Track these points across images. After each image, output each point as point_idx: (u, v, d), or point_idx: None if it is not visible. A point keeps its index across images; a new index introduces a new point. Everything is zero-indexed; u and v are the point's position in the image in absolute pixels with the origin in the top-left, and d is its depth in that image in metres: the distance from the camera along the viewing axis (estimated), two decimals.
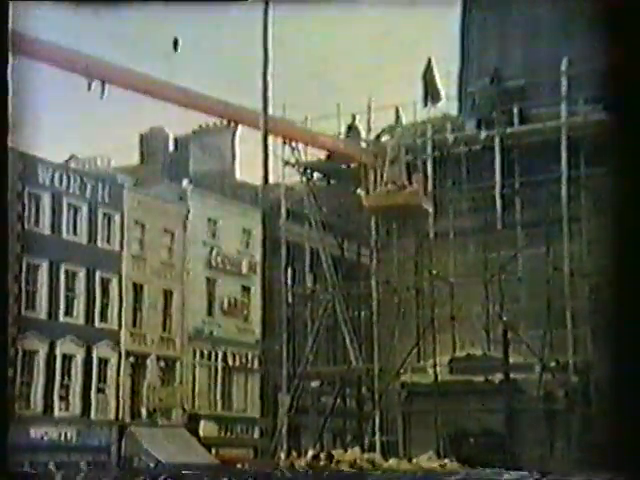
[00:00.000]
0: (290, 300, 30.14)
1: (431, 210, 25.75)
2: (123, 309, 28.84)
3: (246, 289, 32.98)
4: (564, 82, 23.87)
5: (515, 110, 25.66)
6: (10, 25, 11.16)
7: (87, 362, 27.27)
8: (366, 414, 27.06)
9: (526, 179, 25.03)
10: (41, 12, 16.25)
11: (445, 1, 28.25)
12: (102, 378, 27.71)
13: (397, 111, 26.74)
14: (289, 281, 30.11)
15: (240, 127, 28.71)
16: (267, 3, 22.19)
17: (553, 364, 23.48)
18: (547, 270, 24.41)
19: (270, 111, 27.97)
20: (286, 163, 28.57)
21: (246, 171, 34.56)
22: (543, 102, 25.20)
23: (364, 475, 19.24)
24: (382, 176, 25.19)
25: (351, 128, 28.63)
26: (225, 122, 32.51)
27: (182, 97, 22.93)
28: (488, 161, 25.88)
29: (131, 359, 28.64)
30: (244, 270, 32.66)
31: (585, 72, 23.50)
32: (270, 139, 29.34)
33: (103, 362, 27.82)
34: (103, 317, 28.21)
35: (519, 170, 25.44)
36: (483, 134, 26.12)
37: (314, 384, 29.80)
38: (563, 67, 23.83)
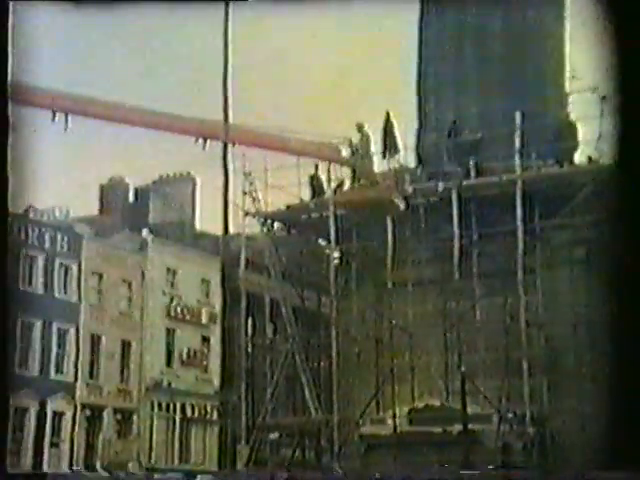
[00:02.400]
0: (250, 350, 29.97)
1: (402, 206, 25.84)
2: (80, 360, 28.47)
3: (206, 339, 32.80)
4: (518, 136, 24.39)
5: (471, 163, 26.10)
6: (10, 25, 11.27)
7: (41, 416, 26.78)
8: (325, 466, 26.80)
9: (483, 231, 25.37)
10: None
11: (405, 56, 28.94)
12: (56, 432, 27.21)
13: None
14: (249, 331, 29.97)
15: (199, 178, 28.83)
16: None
17: (510, 415, 23.56)
18: (504, 320, 24.62)
19: (230, 155, 28.14)
20: (246, 213, 28.68)
21: (206, 221, 34.64)
22: (498, 155, 25.69)
23: None
24: (356, 174, 25.34)
25: (314, 178, 28.90)
26: (185, 173, 32.85)
27: (149, 119, 22.89)
28: (446, 213, 26.22)
29: (87, 412, 28.19)
30: (204, 320, 32.51)
31: (538, 127, 24.12)
32: (230, 189, 29.64)
33: (57, 415, 27.34)
34: (59, 369, 27.81)
35: (476, 222, 25.79)
36: (441, 186, 26.48)
37: (273, 435, 29.51)
38: (517, 121, 24.38)
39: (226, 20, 22.47)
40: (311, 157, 27.65)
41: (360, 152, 25.54)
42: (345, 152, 26.68)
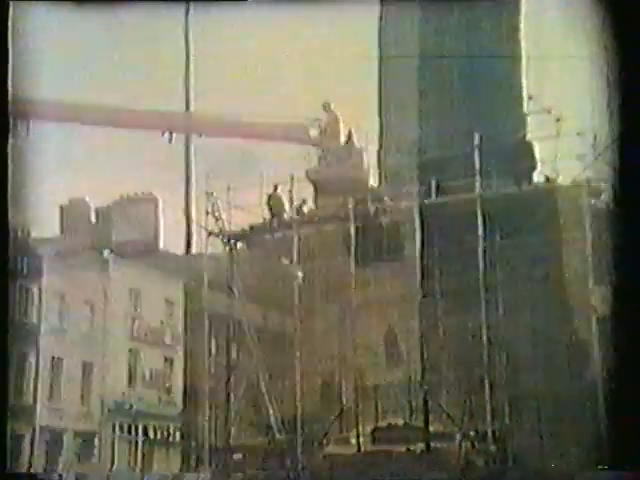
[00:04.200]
0: (213, 371, 29.80)
1: (371, 184, 25.99)
2: (39, 383, 28.06)
3: (168, 360, 32.54)
4: (477, 156, 24.74)
5: (433, 182, 26.39)
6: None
7: None
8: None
9: (444, 249, 25.60)
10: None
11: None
12: (13, 457, 26.72)
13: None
14: (212, 352, 29.82)
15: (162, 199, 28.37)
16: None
17: (472, 433, 23.69)
18: (466, 339, 24.80)
19: (193, 175, 27.96)
20: (209, 233, 28.63)
21: (170, 241, 34.49)
22: (459, 175, 26.02)
23: None
24: (323, 152, 25.35)
25: (271, 197, 28.93)
26: (147, 192, 32.70)
27: (109, 117, 22.56)
28: (408, 231, 26.42)
29: (46, 435, 27.75)
30: (167, 341, 32.28)
31: (497, 147, 24.54)
32: (193, 209, 29.55)
33: (15, 439, 26.87)
34: (17, 392, 27.38)
35: (438, 240, 26.02)
36: (403, 205, 26.71)
37: (237, 456, 29.32)
38: (475, 142, 24.74)
39: (186, 16, 22.46)
40: (279, 140, 27.34)
41: (328, 131, 25.57)
42: (313, 133, 26.53)
